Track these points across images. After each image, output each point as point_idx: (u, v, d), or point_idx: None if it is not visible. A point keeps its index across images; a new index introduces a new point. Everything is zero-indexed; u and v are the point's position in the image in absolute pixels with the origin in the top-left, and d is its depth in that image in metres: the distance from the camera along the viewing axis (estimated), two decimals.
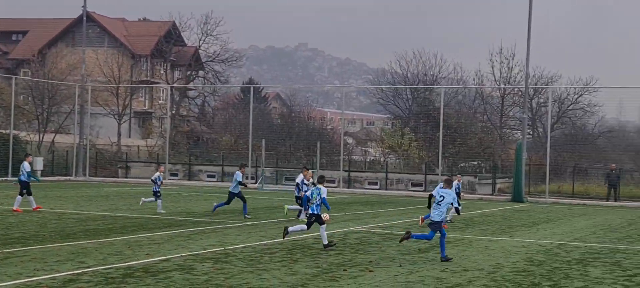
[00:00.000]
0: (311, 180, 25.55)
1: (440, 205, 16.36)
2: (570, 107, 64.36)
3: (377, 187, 49.82)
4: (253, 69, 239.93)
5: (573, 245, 20.20)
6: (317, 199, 18.07)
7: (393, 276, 14.10)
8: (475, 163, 57.32)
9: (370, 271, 14.60)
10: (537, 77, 64.24)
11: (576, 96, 63.84)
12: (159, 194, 26.79)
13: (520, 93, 59.96)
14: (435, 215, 16.26)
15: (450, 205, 17.33)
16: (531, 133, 63.53)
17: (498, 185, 49.38)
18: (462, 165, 56.61)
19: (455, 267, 15.43)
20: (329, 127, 71.33)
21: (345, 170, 51.39)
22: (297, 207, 25.20)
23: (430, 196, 18.34)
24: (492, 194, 46.99)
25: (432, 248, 18.31)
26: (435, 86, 63.30)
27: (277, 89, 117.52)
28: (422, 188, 48.53)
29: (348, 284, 13.15)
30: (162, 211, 26.49)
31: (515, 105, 63.75)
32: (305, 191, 24.32)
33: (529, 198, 43.03)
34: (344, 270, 14.65)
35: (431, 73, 68.12)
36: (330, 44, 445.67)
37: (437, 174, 47.96)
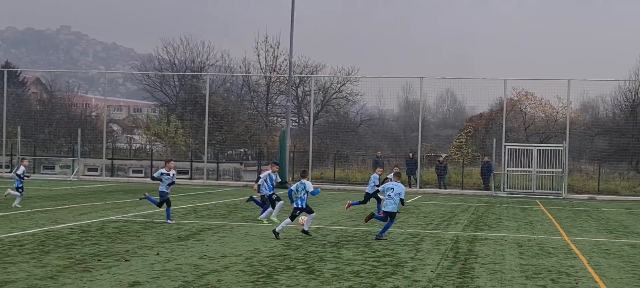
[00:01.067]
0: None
1: (391, 197, 18.20)
2: (334, 96, 66.75)
3: (142, 174, 48.88)
4: (10, 52, 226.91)
5: (330, 228, 20.92)
6: (303, 193, 18.44)
7: (149, 265, 13.80)
8: (242, 150, 57.90)
9: (126, 260, 14.20)
10: (302, 66, 66.05)
11: (339, 85, 66.33)
12: (21, 189, 25.52)
13: (286, 81, 61.28)
14: (389, 205, 18.29)
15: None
16: (296, 121, 65.20)
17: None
18: (229, 152, 56.98)
19: (213, 253, 15.40)
20: (93, 113, 68.94)
21: (109, 158, 49.95)
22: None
23: (377, 191, 20.71)
24: (257, 181, 47.60)
25: (192, 236, 18.20)
26: (202, 73, 63.06)
27: (37, 73, 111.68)
28: (188, 176, 48.27)
29: (102, 274, 12.69)
30: (19, 206, 24.82)
31: (281, 93, 65.09)
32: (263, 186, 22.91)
33: (292, 185, 44.13)
34: (98, 260, 14.14)
35: (199, 60, 67.84)
36: (94, 27, 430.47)
37: (203, 162, 47.84)
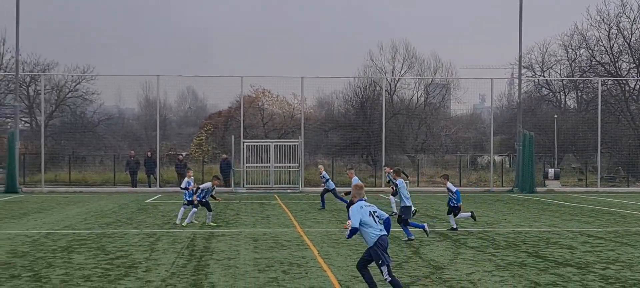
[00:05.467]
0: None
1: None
2: (69, 95, 64.11)
3: None
4: None
5: (61, 233, 20.00)
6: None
7: None
8: None
9: None
10: (32, 64, 62.68)
11: (74, 84, 63.75)
12: None
13: (14, 80, 57.84)
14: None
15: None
16: (29, 121, 61.82)
17: None
18: None
19: None
20: None
21: None
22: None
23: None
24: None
25: None
26: None
27: None
28: None
29: None
30: None
31: (10, 93, 61.36)
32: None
33: (24, 189, 41.87)
34: None
35: None
36: None
37: None
